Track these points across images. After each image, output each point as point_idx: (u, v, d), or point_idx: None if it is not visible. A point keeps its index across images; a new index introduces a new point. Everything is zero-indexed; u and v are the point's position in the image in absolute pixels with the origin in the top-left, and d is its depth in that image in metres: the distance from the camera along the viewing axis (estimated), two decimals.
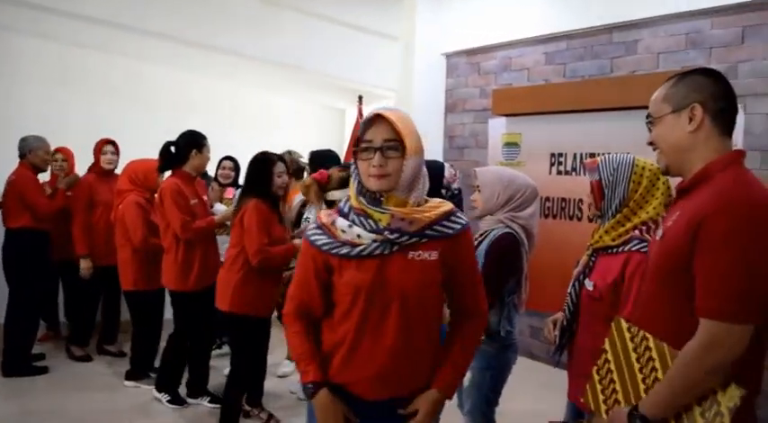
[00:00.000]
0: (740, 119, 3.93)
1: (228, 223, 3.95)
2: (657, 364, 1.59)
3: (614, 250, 2.18)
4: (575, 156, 4.95)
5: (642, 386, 1.62)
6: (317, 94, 8.06)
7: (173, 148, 4.00)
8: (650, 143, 1.77)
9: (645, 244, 2.11)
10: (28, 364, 4.64)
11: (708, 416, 1.50)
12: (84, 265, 4.74)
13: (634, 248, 2.12)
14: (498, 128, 5.60)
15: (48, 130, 5.02)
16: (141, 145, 4.74)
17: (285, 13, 6.19)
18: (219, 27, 5.83)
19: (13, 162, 4.78)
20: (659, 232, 1.68)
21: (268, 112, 7.81)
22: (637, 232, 2.15)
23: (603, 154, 2.39)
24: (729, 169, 1.60)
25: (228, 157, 5.25)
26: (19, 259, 4.67)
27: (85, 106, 6.39)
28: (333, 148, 4.71)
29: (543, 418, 2.53)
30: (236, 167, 5.21)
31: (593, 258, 2.26)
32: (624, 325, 1.71)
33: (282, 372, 4.81)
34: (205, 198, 4.15)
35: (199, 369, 4.19)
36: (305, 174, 4.74)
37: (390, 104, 6.72)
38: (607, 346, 1.75)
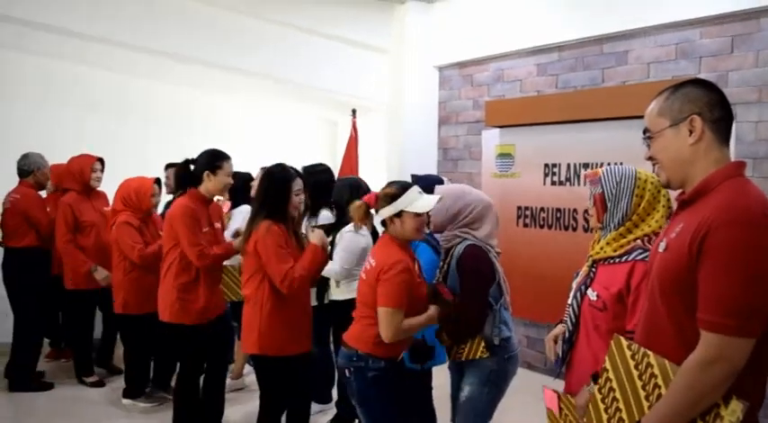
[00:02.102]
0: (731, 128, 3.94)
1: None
2: (660, 381, 1.57)
3: (616, 260, 2.15)
4: (569, 166, 4.96)
5: (646, 403, 1.61)
6: (309, 107, 8.09)
7: (192, 167, 3.68)
8: (649, 158, 1.75)
9: (648, 253, 2.07)
10: (33, 380, 4.67)
11: None
12: (100, 276, 4.53)
13: (639, 258, 2.09)
14: (492, 139, 5.61)
15: (34, 145, 5.00)
16: (129, 159, 4.72)
17: (277, 28, 6.21)
18: (210, 42, 5.85)
19: (2, 175, 4.73)
20: (662, 244, 1.66)
21: (261, 125, 7.83)
22: (639, 242, 2.13)
23: (605, 164, 2.38)
24: (731, 180, 1.59)
25: None
26: (23, 278, 4.66)
27: (72, 121, 6.37)
28: (325, 161, 4.68)
29: None
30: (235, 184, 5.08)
31: (593, 269, 2.23)
32: (624, 342, 1.70)
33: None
34: (218, 225, 3.79)
35: (216, 406, 3.84)
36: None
37: (383, 117, 6.75)
38: (608, 364, 1.73)
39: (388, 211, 2.69)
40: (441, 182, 3.37)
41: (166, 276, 3.60)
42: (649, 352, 1.61)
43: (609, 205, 2.19)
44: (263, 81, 6.51)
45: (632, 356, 1.66)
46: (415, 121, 6.15)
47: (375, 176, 5.69)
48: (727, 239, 1.47)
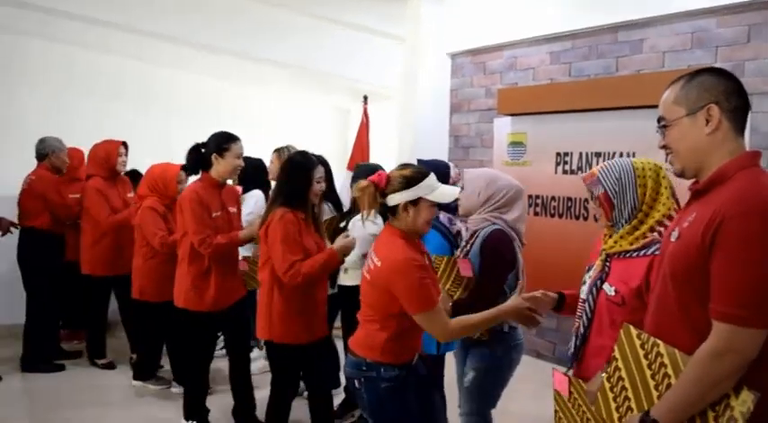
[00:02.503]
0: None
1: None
2: (670, 371, 1.57)
3: (633, 254, 2.11)
4: (580, 155, 4.94)
5: (655, 393, 1.61)
6: (321, 94, 8.06)
7: (203, 150, 3.65)
8: (663, 147, 1.73)
9: None
10: (47, 362, 4.75)
11: (721, 421, 1.49)
12: None
13: (657, 252, 2.00)
14: (504, 127, 5.59)
15: (54, 132, 5.03)
16: (149, 147, 4.73)
17: (289, 16, 6.20)
18: (226, 30, 5.86)
19: (21, 161, 4.78)
20: (674, 234, 1.65)
21: (272, 112, 7.82)
22: (656, 235, 2.08)
23: (616, 154, 2.35)
24: (746, 170, 1.58)
25: None
26: (35, 259, 4.76)
27: (92, 108, 6.41)
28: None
29: (545, 420, 2.51)
30: (246, 169, 5.06)
31: (607, 263, 2.17)
32: (633, 331, 1.69)
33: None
34: (232, 209, 3.72)
35: (245, 395, 3.81)
36: None
37: (394, 104, 6.74)
38: (617, 353, 1.73)
39: (403, 197, 2.35)
40: (447, 167, 3.34)
41: (181, 263, 3.62)
42: (659, 341, 1.61)
43: (615, 202, 2.14)
44: (275, 68, 6.51)
45: (642, 346, 1.66)
46: (427, 108, 6.14)
47: (386, 163, 5.69)
48: (740, 230, 1.46)
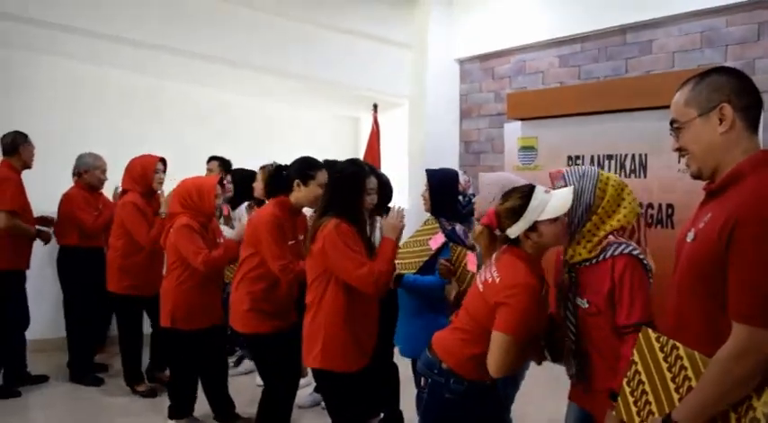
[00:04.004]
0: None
1: None
2: (690, 373, 1.56)
3: (593, 261, 2.17)
4: (592, 158, 4.91)
5: (676, 396, 1.59)
6: (331, 103, 8.10)
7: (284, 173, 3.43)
8: (677, 149, 1.73)
9: (624, 246, 2.13)
10: (89, 374, 4.81)
11: (744, 422, 1.47)
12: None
13: (616, 253, 2.13)
14: (514, 132, 5.57)
15: (66, 146, 5.08)
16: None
17: (297, 25, 6.23)
18: (235, 42, 5.90)
19: (31, 175, 4.79)
20: (690, 235, 1.64)
21: (282, 122, 7.87)
22: (611, 237, 2.17)
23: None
24: (761, 169, 1.56)
25: (229, 170, 5.23)
26: (68, 275, 4.82)
27: (103, 122, 6.48)
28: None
29: (561, 421, 2.50)
30: (237, 181, 5.04)
31: (573, 275, 2.23)
32: (652, 335, 1.68)
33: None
34: (301, 238, 3.41)
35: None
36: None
37: (404, 112, 6.75)
38: (636, 357, 1.72)
39: (519, 228, 2.25)
40: (456, 175, 3.31)
41: (240, 285, 3.38)
42: (678, 344, 1.60)
43: (572, 199, 2.22)
44: (283, 79, 6.54)
45: (661, 349, 1.65)
46: (437, 115, 6.15)
47: (397, 172, 5.70)
48: (756, 230, 1.45)
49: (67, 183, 4.90)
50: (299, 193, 3.31)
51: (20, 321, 4.65)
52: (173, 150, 4.67)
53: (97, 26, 5.24)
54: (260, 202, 4.64)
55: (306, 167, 3.33)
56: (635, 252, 2.13)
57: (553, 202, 2.22)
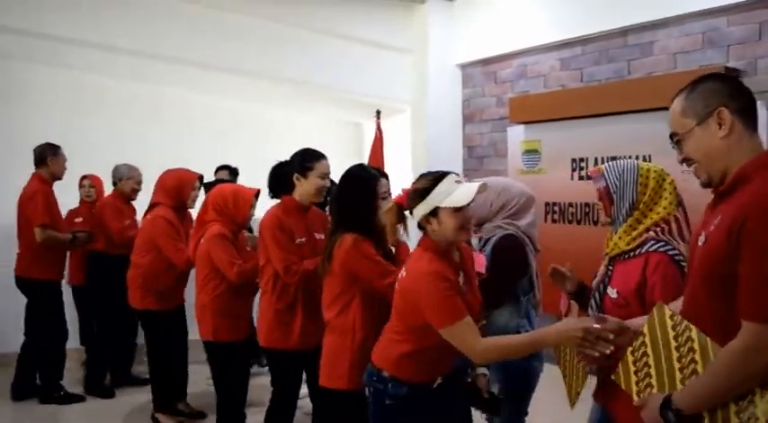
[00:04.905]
0: (763, 114, 3.87)
1: None
2: (698, 357, 1.57)
3: (631, 255, 2.17)
4: (596, 160, 4.91)
5: (679, 375, 1.61)
6: (333, 109, 8.11)
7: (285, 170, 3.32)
8: (683, 160, 1.74)
9: (662, 244, 2.11)
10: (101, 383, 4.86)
11: (743, 417, 1.48)
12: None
13: (651, 249, 2.11)
14: (517, 136, 5.58)
15: (69, 157, 5.09)
16: (159, 168, 4.59)
17: (297, 32, 6.25)
18: (235, 49, 5.92)
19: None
20: (701, 238, 1.65)
21: (286, 129, 7.88)
22: (651, 233, 2.15)
23: (632, 158, 2.38)
24: (765, 169, 1.57)
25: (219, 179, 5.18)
26: (94, 282, 4.92)
27: (105, 132, 6.51)
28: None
29: None
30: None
31: (610, 267, 2.24)
32: (667, 311, 1.68)
33: None
34: (320, 235, 3.25)
35: None
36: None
37: (407, 118, 6.76)
38: (645, 329, 1.73)
39: (421, 211, 2.21)
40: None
41: (264, 295, 3.27)
42: (692, 326, 1.60)
43: (615, 197, 2.22)
44: (284, 85, 6.57)
45: (673, 327, 1.65)
46: (440, 120, 6.16)
47: (402, 177, 5.70)
48: (765, 228, 1.46)
49: (65, 186, 4.96)
50: (301, 187, 3.20)
51: (55, 333, 4.68)
52: (172, 158, 4.63)
53: (95, 37, 5.29)
54: None
55: (303, 160, 3.20)
56: (671, 252, 2.10)
57: (457, 193, 2.18)
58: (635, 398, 1.73)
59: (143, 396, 4.61)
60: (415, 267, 2.23)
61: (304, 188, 3.19)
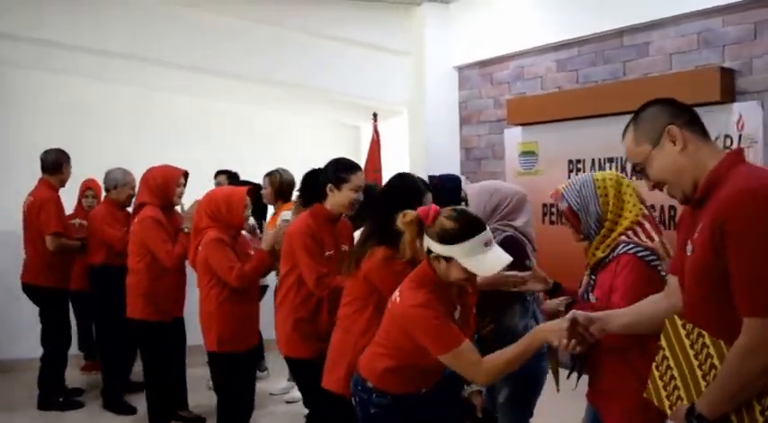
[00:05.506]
0: (758, 114, 3.84)
1: None
2: (716, 361, 1.58)
3: (606, 261, 2.22)
4: (593, 161, 4.92)
5: (703, 383, 1.62)
6: (330, 112, 8.13)
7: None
8: (653, 186, 1.77)
9: (631, 246, 2.15)
10: (120, 399, 4.63)
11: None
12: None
13: (621, 252, 2.16)
14: (514, 137, 5.59)
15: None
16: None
17: (294, 35, 6.27)
18: (232, 53, 5.94)
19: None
20: (689, 248, 1.66)
21: (283, 131, 7.90)
22: (623, 237, 2.19)
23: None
24: (736, 168, 1.61)
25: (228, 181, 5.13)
26: (97, 294, 4.62)
27: (100, 136, 6.52)
28: None
29: None
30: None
31: (593, 277, 2.30)
32: (678, 322, 1.69)
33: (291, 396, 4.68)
34: (345, 248, 3.16)
35: None
36: (294, 194, 4.30)
37: (404, 120, 6.77)
38: (663, 343, 1.74)
39: (436, 249, 2.10)
40: (458, 182, 3.31)
41: (283, 303, 3.21)
42: (704, 332, 1.61)
43: (580, 215, 2.26)
44: (280, 89, 6.59)
45: (687, 336, 1.67)
46: (437, 122, 6.16)
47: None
48: (745, 222, 1.48)
49: (64, 192, 4.85)
50: (333, 198, 3.07)
51: (59, 340, 4.63)
52: (167, 157, 4.61)
53: (90, 42, 5.29)
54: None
55: (338, 170, 3.07)
56: (640, 253, 2.14)
57: (483, 262, 2.08)
58: (668, 412, 1.72)
59: (142, 402, 4.56)
60: (407, 298, 2.16)
61: (336, 199, 3.08)
